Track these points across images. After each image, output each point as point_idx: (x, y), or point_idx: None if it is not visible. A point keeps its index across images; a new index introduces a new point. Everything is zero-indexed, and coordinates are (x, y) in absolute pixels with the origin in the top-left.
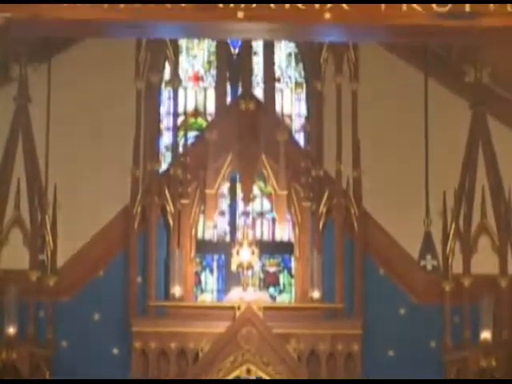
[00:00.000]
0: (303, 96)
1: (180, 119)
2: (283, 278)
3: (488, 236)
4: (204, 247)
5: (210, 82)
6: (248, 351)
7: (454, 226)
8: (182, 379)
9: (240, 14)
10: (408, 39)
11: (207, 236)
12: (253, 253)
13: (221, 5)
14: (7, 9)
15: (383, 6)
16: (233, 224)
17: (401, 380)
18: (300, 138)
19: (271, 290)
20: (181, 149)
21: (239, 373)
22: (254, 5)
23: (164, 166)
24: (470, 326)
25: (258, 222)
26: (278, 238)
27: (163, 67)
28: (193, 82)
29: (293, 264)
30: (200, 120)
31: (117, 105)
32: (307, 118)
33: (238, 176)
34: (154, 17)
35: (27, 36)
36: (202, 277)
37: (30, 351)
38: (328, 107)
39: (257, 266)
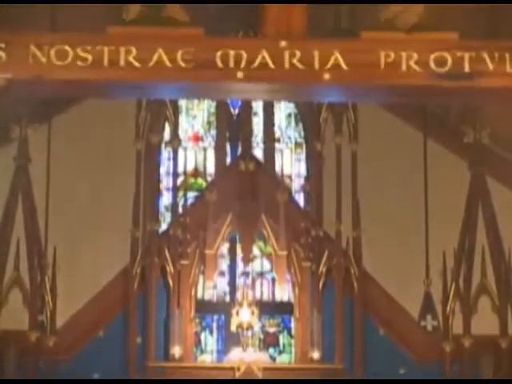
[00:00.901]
0: (303, 156)
1: (180, 179)
2: (283, 339)
3: (488, 296)
4: (204, 307)
5: (209, 142)
6: None
7: (454, 286)
8: (181, 379)
9: (240, 75)
10: (407, 99)
11: (207, 296)
12: (252, 313)
13: (220, 65)
14: (8, 70)
15: (382, 66)
16: (232, 284)
17: (401, 380)
18: (300, 198)
19: (271, 350)
20: (180, 209)
21: None
22: (254, 65)
23: (164, 227)
24: None
25: (258, 283)
26: (277, 298)
27: (163, 128)
28: (193, 143)
29: (293, 324)
30: (200, 180)
31: (117, 165)
32: (307, 178)
33: (237, 236)
34: (154, 77)
35: (28, 97)
36: (202, 337)
37: None
38: (328, 167)
39: (257, 326)
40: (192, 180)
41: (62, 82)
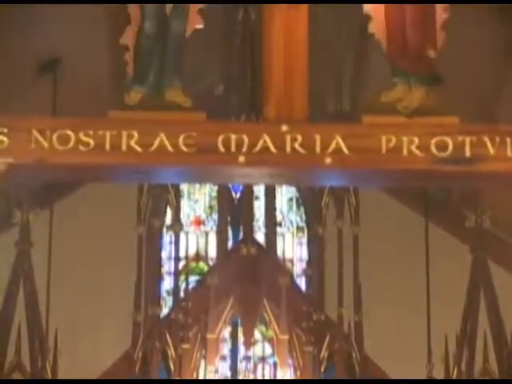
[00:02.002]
0: (304, 240)
1: (181, 263)
2: None
3: None
4: None
5: (211, 226)
6: None
7: (456, 370)
8: (181, 379)
9: (241, 159)
10: (408, 184)
11: None
12: None
13: (222, 149)
14: (10, 154)
15: (384, 150)
16: (234, 369)
17: (401, 380)
18: (301, 283)
19: None
20: (182, 293)
21: None
22: (255, 150)
23: (165, 311)
24: None
25: (260, 367)
26: None
27: (165, 212)
28: (194, 227)
29: None
30: (201, 264)
31: (118, 249)
32: (308, 262)
33: (239, 320)
34: (156, 162)
35: (30, 181)
36: None
37: None
38: (329, 251)
39: None
40: (194, 264)
41: (64, 167)
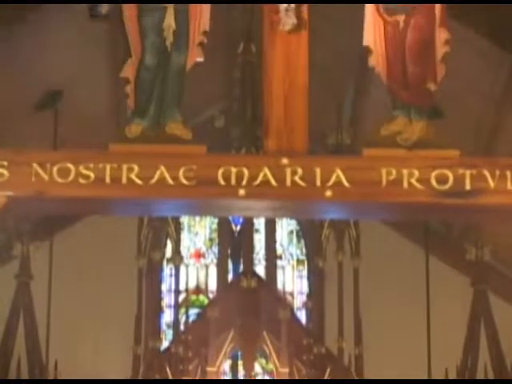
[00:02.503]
0: (305, 273)
1: (181, 296)
2: None
3: None
4: None
5: (211, 258)
6: None
7: None
8: (181, 379)
9: (241, 192)
10: (409, 217)
11: None
12: None
13: (222, 182)
14: (10, 187)
15: (384, 183)
16: None
17: (400, 380)
18: (302, 316)
19: None
20: (182, 326)
21: None
22: (256, 183)
23: (165, 344)
24: None
25: None
26: None
27: (165, 244)
28: (194, 259)
29: None
30: (202, 297)
31: (118, 282)
32: (309, 295)
33: (239, 353)
34: (156, 194)
35: (30, 214)
36: None
37: None
38: (329, 284)
39: None
40: (194, 297)
41: (64, 200)
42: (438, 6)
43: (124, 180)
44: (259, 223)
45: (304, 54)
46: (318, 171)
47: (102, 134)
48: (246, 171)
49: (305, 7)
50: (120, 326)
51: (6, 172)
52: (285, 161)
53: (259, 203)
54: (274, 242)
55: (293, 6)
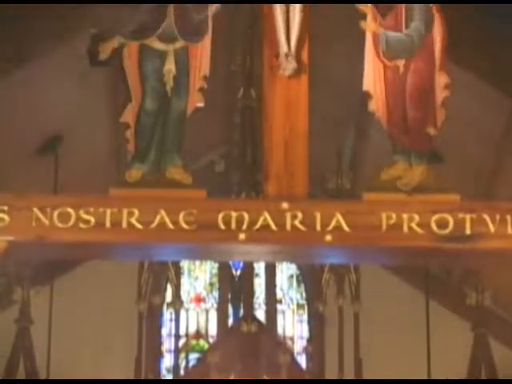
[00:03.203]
0: (305, 317)
1: (181, 341)
2: None
3: None
4: None
5: (211, 303)
6: None
7: None
8: (181, 379)
9: (241, 236)
10: (409, 261)
11: None
12: None
13: (222, 227)
14: (11, 232)
15: (384, 227)
16: None
17: (400, 380)
18: (302, 360)
19: None
20: (182, 371)
21: None
22: (256, 227)
23: None
24: None
25: None
26: None
27: (165, 289)
28: (195, 304)
29: None
30: (202, 342)
31: (119, 326)
32: (309, 339)
33: None
34: (156, 239)
35: (30, 259)
36: None
37: None
38: (330, 329)
39: None
40: (194, 342)
41: (65, 245)
42: (437, 51)
43: (124, 224)
44: (259, 267)
45: (304, 98)
46: (318, 215)
47: (102, 178)
48: (246, 215)
49: (305, 52)
50: (120, 371)
51: (6, 217)
52: (285, 205)
53: (259, 247)
54: (274, 286)
55: (293, 50)
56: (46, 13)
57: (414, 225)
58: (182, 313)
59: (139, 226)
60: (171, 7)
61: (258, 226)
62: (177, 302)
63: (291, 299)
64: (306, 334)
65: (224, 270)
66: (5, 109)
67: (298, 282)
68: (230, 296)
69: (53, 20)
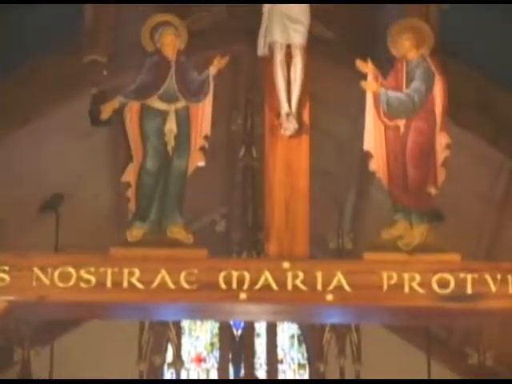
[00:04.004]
0: (306, 377)
1: None
2: None
3: None
4: None
5: (212, 363)
6: None
7: None
8: (181, 379)
9: (242, 296)
10: (410, 321)
11: None
12: None
13: (223, 286)
14: (11, 292)
15: (385, 287)
16: None
17: (399, 380)
18: None
19: None
20: None
21: None
22: (257, 287)
23: None
24: None
25: None
26: None
27: (166, 349)
28: (195, 364)
29: None
30: None
31: None
32: None
33: None
34: (157, 299)
35: (31, 319)
36: None
37: None
38: None
39: None
40: None
41: (65, 304)
42: (438, 111)
43: (125, 284)
44: (260, 327)
45: (305, 158)
46: (319, 275)
47: (103, 237)
48: (247, 275)
49: (306, 112)
50: None
51: (7, 277)
52: (286, 265)
53: (260, 307)
54: (275, 346)
55: (294, 110)
56: (47, 73)
57: (415, 284)
58: (183, 373)
59: (140, 285)
60: (173, 69)
61: (259, 285)
62: (178, 362)
63: (292, 359)
64: None
65: (225, 330)
66: (6, 168)
67: (299, 341)
68: (230, 356)
69: (54, 80)
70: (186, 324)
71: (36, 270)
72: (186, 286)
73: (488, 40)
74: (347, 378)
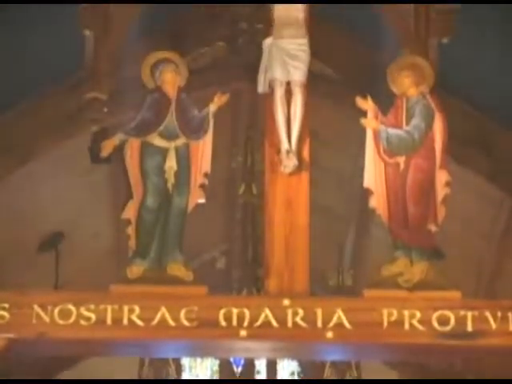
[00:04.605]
0: None
1: None
2: None
3: None
4: None
5: None
6: None
7: None
8: (181, 379)
9: (243, 333)
10: (410, 358)
11: None
12: None
13: (223, 323)
14: (11, 329)
15: (385, 324)
16: None
17: (399, 380)
18: None
19: None
20: None
21: None
22: (257, 324)
23: None
24: None
25: None
26: None
27: None
28: None
29: None
30: None
31: None
32: None
33: None
34: (157, 336)
35: (30, 356)
36: None
37: None
38: None
39: None
40: None
41: (65, 342)
42: (438, 148)
43: (125, 321)
44: (260, 364)
45: (305, 195)
46: (319, 312)
47: (103, 274)
48: (247, 312)
49: (306, 149)
50: None
51: (6, 314)
52: (286, 302)
53: (260, 344)
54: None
55: (294, 147)
56: (47, 110)
57: (415, 321)
58: None
59: (140, 322)
60: (173, 106)
61: (259, 322)
62: None
63: None
64: None
65: (225, 367)
66: (7, 205)
67: (300, 378)
68: None
69: (54, 118)
70: (186, 361)
71: (36, 307)
72: (186, 323)
73: (488, 78)
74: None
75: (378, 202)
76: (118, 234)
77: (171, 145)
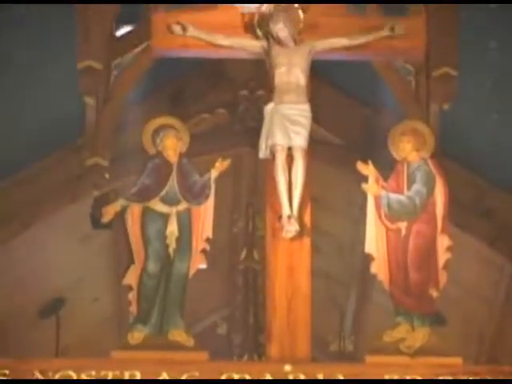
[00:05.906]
0: None
1: None
2: None
3: None
4: None
5: None
6: None
7: None
8: (181, 379)
9: None
10: None
11: None
12: None
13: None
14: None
15: None
16: None
17: (399, 380)
18: None
19: None
20: None
21: None
22: None
23: None
24: None
25: None
26: None
27: None
28: None
29: None
30: None
31: None
32: None
33: None
34: None
35: None
36: None
37: None
38: None
39: None
40: None
41: None
42: (439, 213)
43: None
44: None
45: (306, 260)
46: (320, 378)
47: (104, 340)
48: (248, 378)
49: (307, 215)
50: None
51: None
52: (287, 368)
53: None
54: None
55: (295, 213)
56: (48, 176)
57: None
58: None
59: None
60: (174, 172)
61: None
62: None
63: None
64: None
65: None
66: (7, 271)
67: None
68: None
69: (55, 184)
70: None
71: (37, 373)
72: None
73: (487, 142)
74: None
75: (379, 268)
76: (118, 300)
77: (172, 210)
